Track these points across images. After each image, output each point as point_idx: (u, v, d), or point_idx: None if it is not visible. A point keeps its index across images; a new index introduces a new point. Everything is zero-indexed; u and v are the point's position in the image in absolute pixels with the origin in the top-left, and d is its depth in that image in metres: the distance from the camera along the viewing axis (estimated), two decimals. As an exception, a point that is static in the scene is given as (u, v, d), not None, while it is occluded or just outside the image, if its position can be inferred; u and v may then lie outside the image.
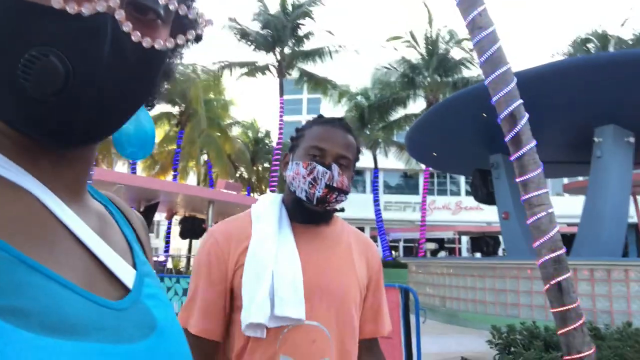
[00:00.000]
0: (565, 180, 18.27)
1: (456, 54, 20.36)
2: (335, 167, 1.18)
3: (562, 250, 3.58)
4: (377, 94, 20.99)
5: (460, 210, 30.44)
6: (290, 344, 1.10)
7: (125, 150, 3.30)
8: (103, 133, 0.44)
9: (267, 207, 1.26)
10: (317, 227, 1.25)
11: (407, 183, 32.11)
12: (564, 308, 3.56)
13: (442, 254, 27.64)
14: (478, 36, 3.24)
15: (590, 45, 20.21)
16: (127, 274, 0.48)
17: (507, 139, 3.50)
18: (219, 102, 23.37)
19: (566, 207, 20.85)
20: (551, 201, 3.67)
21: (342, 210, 1.29)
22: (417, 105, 21.06)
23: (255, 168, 28.34)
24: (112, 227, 0.53)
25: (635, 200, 11.29)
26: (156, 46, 0.44)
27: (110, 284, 0.46)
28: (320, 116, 1.34)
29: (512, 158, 3.54)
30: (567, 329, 3.52)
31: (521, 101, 3.41)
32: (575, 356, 3.51)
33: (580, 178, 16.60)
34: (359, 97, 21.85)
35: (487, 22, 3.23)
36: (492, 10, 3.20)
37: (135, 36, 0.42)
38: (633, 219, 12.49)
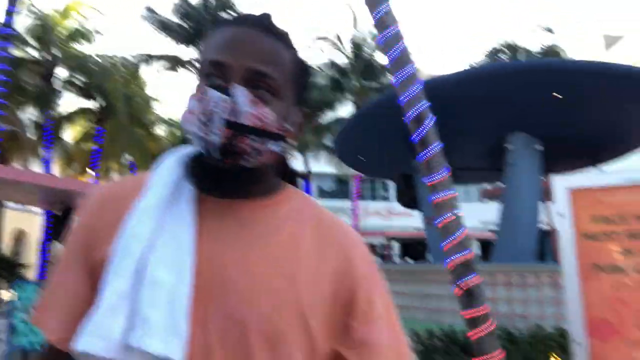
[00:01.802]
0: (485, 187, 19.18)
1: (381, 58, 20.86)
2: (240, 90, 0.70)
3: (470, 253, 3.61)
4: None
5: (391, 216, 31.11)
6: None
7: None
8: None
9: (168, 165, 0.78)
10: (237, 202, 0.75)
11: (340, 188, 32.41)
12: (473, 311, 3.59)
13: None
14: (385, 35, 3.20)
15: (502, 56, 21.52)
16: None
17: (414, 139, 3.49)
18: (141, 98, 22.40)
19: (491, 213, 21.93)
20: (458, 204, 3.71)
21: (306, 176, 0.83)
22: (346, 109, 21.31)
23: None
24: None
25: (546, 207, 11.99)
26: None
27: None
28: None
29: (419, 159, 3.53)
30: (477, 332, 3.55)
31: (427, 103, 3.42)
32: (484, 359, 3.55)
33: (500, 184, 17.52)
34: (288, 100, 21.77)
35: (393, 21, 3.20)
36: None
37: None
38: (545, 225, 13.26)
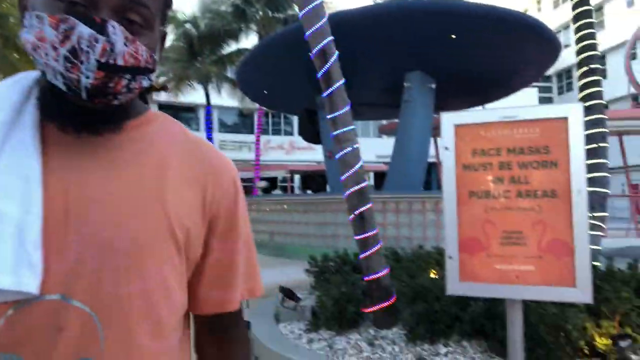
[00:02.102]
0: (384, 123, 20.06)
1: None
2: (117, 28, 0.61)
3: (365, 183, 3.90)
4: (208, 23, 19.86)
5: (293, 150, 31.47)
6: (17, 334, 0.60)
7: None
8: None
9: (3, 88, 0.69)
10: (93, 136, 0.68)
11: (243, 122, 31.85)
12: (365, 235, 3.94)
13: (277, 192, 28.59)
14: (292, -34, 3.16)
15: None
16: None
17: (318, 75, 3.58)
18: (15, 18, 19.71)
19: (387, 147, 23.07)
20: (357, 139, 3.94)
21: (164, 88, 0.73)
22: (250, 40, 20.59)
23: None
24: None
25: (436, 142, 12.93)
26: None
27: None
28: None
29: (323, 94, 3.65)
30: (367, 253, 3.92)
31: (332, 38, 3.48)
32: (373, 276, 3.95)
33: (397, 120, 18.43)
34: (187, 25, 20.41)
35: (300, -49, 3.16)
36: None
37: None
38: (433, 158, 14.33)
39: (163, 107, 24.56)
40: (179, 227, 0.69)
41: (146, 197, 0.67)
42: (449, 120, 2.79)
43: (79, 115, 0.65)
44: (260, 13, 19.82)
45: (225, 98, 23.14)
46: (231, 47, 20.78)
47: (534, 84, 26.06)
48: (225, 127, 31.97)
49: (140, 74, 0.65)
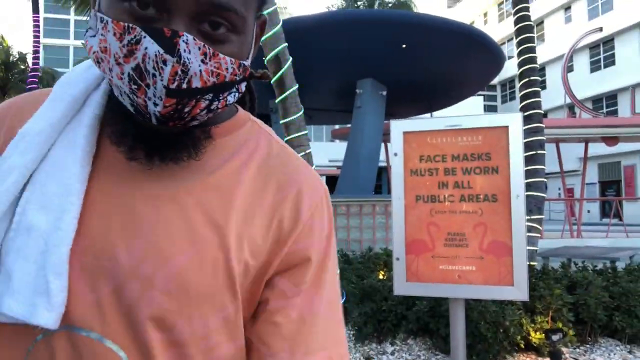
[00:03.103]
0: (337, 127, 20.31)
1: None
2: (190, 44, 0.47)
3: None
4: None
5: (245, 153, 31.17)
6: None
7: None
8: None
9: (76, 77, 0.59)
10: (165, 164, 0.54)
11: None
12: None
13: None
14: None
15: (359, 3, 22.36)
16: None
17: (272, 81, 3.63)
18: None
19: (339, 152, 23.34)
20: (309, 143, 4.01)
21: (263, 76, 0.63)
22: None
23: (7, 99, 23.77)
24: None
25: (386, 146, 13.24)
26: None
27: None
28: None
29: (276, 100, 3.70)
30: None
31: (286, 44, 3.55)
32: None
33: (349, 126, 18.72)
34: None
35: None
36: None
37: None
38: (384, 163, 14.65)
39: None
40: (239, 268, 0.54)
41: (206, 227, 0.54)
42: (398, 127, 2.91)
43: (151, 140, 0.53)
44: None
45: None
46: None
47: (480, 92, 27.18)
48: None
49: (225, 90, 0.52)
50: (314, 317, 0.57)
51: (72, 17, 28.72)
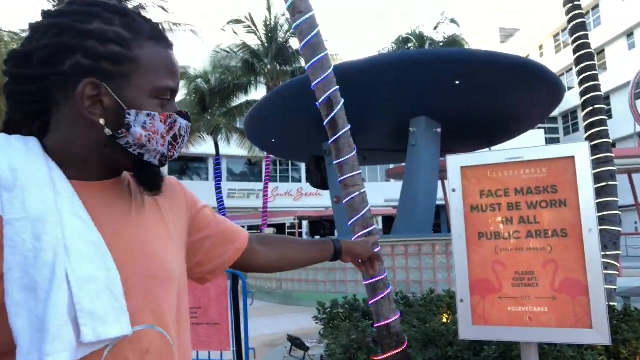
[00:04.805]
0: (391, 167, 20.19)
1: (295, 43, 20.95)
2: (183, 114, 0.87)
3: (372, 227, 3.89)
4: (218, 78, 20.54)
5: (301, 196, 31.56)
6: None
7: None
8: None
9: (24, 159, 0.71)
10: (103, 181, 0.81)
11: (251, 170, 32.22)
12: (374, 280, 3.90)
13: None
14: (298, 20, 3.31)
15: (410, 45, 22.59)
16: None
17: (325, 122, 3.67)
18: None
19: (395, 191, 23.14)
20: (363, 183, 3.98)
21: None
22: (259, 92, 21.18)
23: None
24: None
25: (443, 184, 12.95)
26: None
27: None
28: (129, 12, 0.81)
29: (329, 142, 3.73)
30: (376, 298, 3.86)
31: (337, 87, 3.59)
32: (383, 322, 3.87)
33: (403, 164, 18.57)
34: (199, 81, 21.11)
35: (306, 6, 3.31)
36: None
37: None
38: (441, 201, 14.29)
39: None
40: (183, 246, 0.95)
41: (164, 234, 0.87)
42: (455, 162, 2.82)
43: (158, 177, 0.85)
44: (269, 67, 20.49)
45: (234, 147, 23.52)
46: (240, 99, 21.36)
47: (540, 125, 26.27)
48: (233, 176, 32.26)
49: None
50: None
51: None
